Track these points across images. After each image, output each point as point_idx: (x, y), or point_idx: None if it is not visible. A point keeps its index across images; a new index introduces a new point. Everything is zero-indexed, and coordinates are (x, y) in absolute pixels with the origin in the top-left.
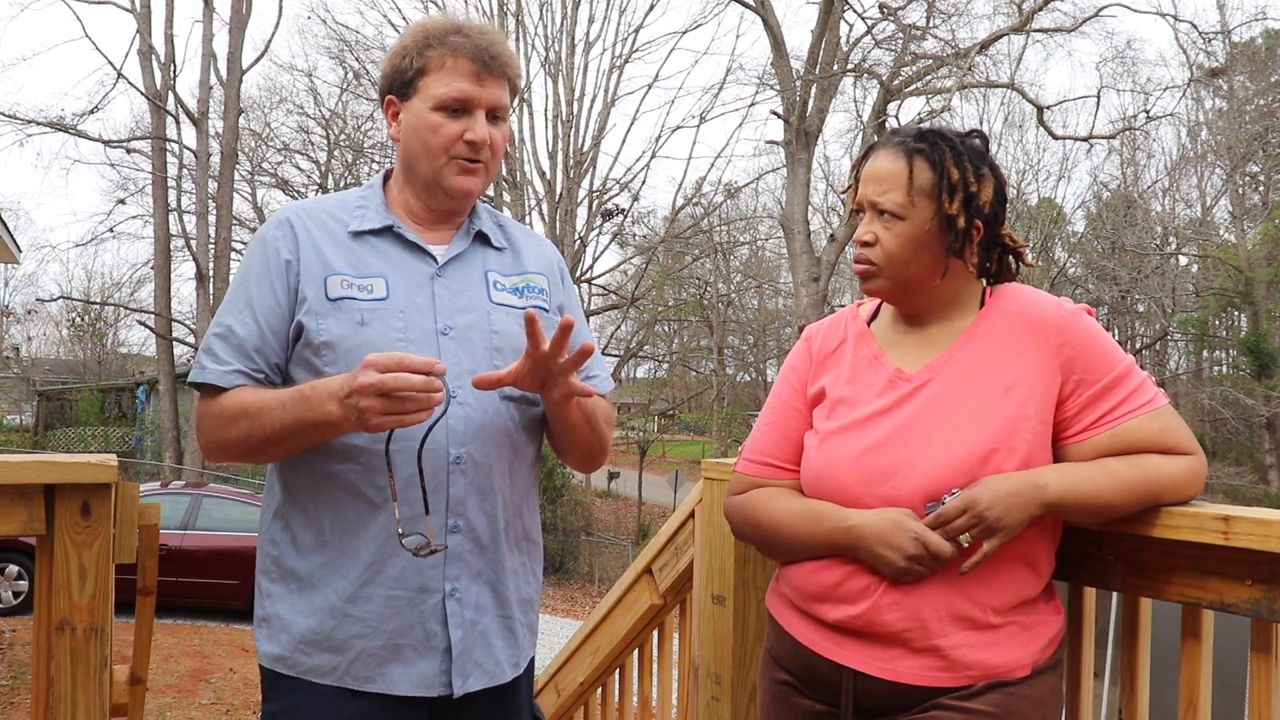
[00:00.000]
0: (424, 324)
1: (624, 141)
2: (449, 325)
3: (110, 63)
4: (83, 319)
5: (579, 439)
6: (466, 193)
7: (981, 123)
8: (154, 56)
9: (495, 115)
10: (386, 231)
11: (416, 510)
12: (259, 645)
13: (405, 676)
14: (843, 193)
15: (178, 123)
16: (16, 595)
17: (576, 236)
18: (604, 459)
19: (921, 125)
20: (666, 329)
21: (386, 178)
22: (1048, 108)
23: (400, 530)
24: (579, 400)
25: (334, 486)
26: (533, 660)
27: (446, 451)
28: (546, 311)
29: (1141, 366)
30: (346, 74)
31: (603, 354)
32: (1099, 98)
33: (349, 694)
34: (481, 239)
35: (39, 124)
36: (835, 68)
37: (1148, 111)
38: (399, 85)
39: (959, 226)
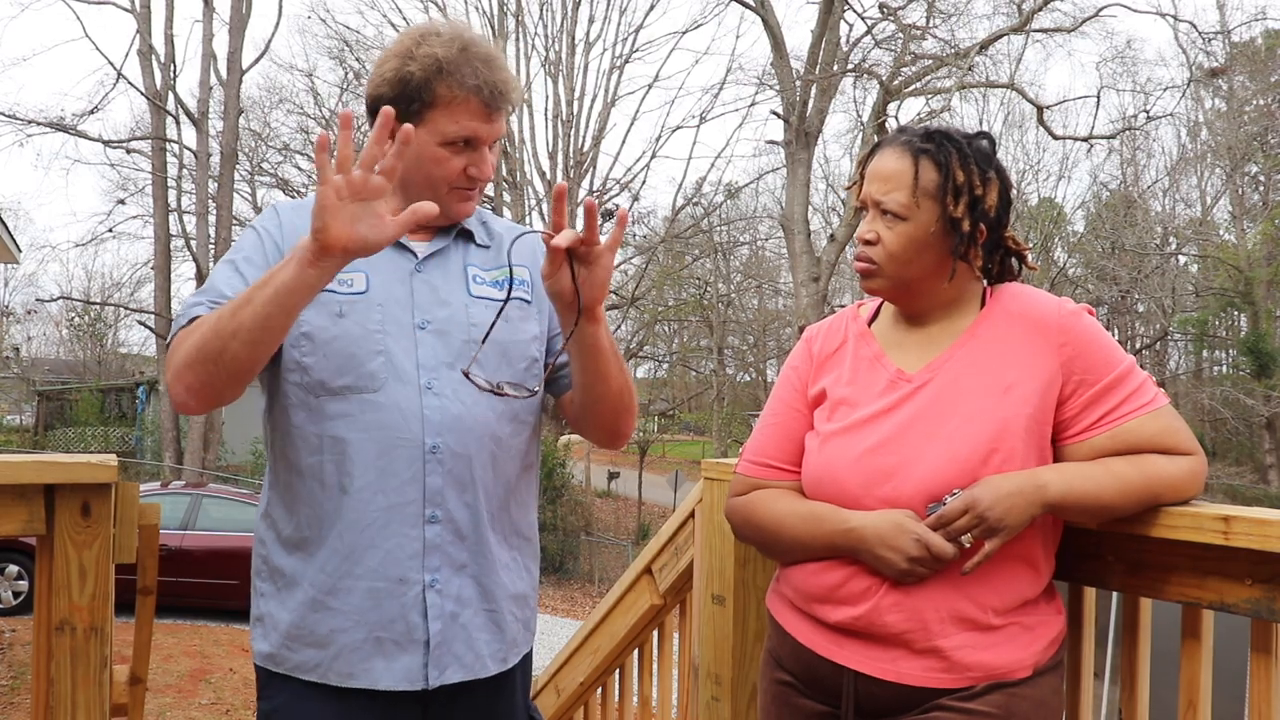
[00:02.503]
0: (402, 317)
1: (624, 142)
2: (426, 319)
3: (110, 63)
4: (82, 319)
5: (612, 375)
6: (466, 215)
7: (981, 123)
8: (154, 56)
9: (494, 144)
10: None
11: (393, 500)
12: (253, 644)
13: (387, 671)
14: (847, 188)
15: (178, 123)
16: (16, 595)
17: None
18: (632, 421)
19: (929, 125)
20: (666, 329)
21: None
22: (1048, 108)
23: (466, 369)
24: (606, 332)
25: (310, 479)
26: (529, 657)
27: (422, 441)
28: (529, 303)
29: (1141, 366)
30: (346, 74)
31: None
32: (1099, 98)
33: (339, 691)
34: (465, 235)
35: (39, 124)
36: (835, 68)
37: (1148, 111)
38: (401, 109)
39: (963, 229)
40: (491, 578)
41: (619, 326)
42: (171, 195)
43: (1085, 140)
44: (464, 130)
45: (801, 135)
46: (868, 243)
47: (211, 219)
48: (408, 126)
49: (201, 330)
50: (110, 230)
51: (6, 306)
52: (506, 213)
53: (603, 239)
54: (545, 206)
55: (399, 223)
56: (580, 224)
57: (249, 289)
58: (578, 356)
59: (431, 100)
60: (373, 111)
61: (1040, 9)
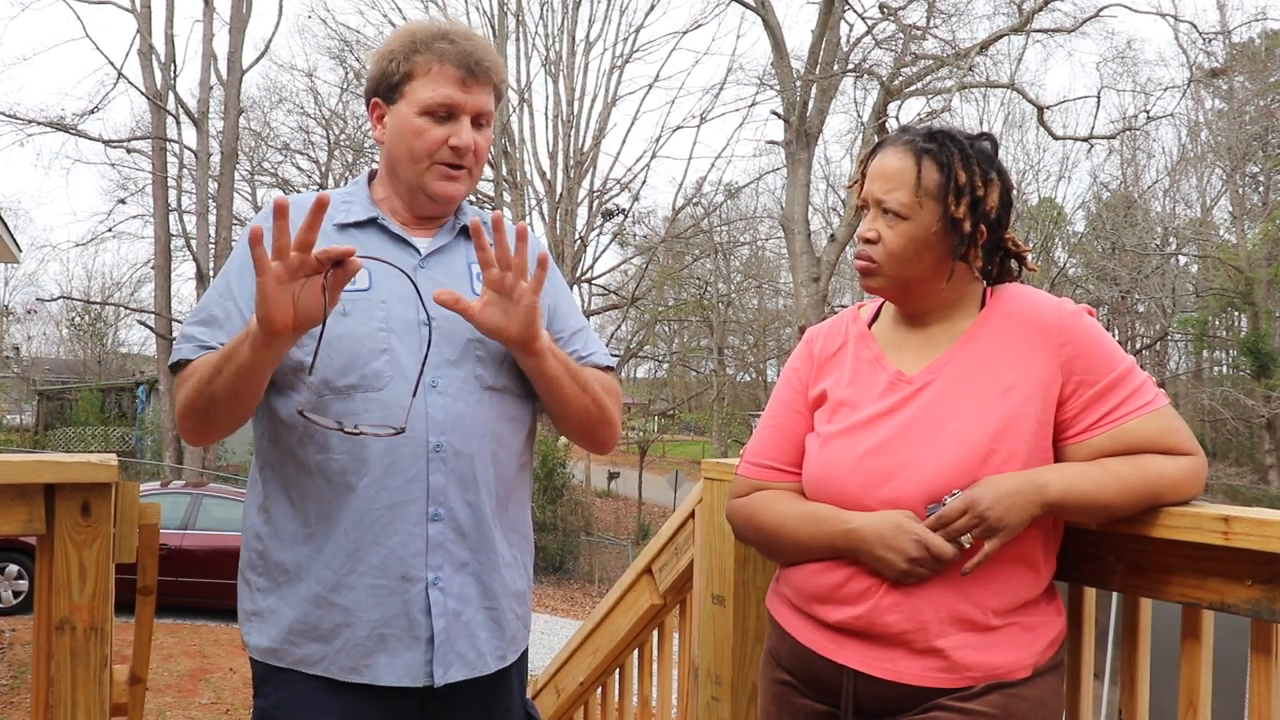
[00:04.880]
0: (406, 314)
1: (624, 141)
2: (431, 315)
3: (110, 63)
4: (83, 319)
5: (568, 398)
6: (449, 198)
7: (981, 123)
8: (154, 56)
9: (479, 121)
10: (371, 224)
11: (397, 498)
12: (249, 639)
13: (390, 667)
14: (849, 187)
15: (178, 123)
16: (16, 595)
17: (577, 236)
18: (610, 433)
19: (931, 125)
20: (666, 329)
21: (371, 177)
22: (1048, 108)
23: (300, 407)
24: (555, 351)
25: (316, 475)
26: (525, 654)
27: (425, 439)
28: None
29: (1141, 367)
30: (347, 74)
31: None
32: (1099, 98)
33: (338, 686)
34: (466, 233)
35: (39, 124)
36: (835, 68)
37: (1148, 112)
38: (384, 89)
39: (964, 230)
40: (493, 576)
41: (619, 326)
42: (172, 195)
43: (1085, 140)
44: (439, 96)
45: (802, 135)
46: (868, 241)
47: (212, 219)
48: (323, 194)
49: (188, 387)
50: (110, 230)
51: (6, 306)
52: (506, 212)
53: (604, 238)
54: (545, 206)
55: (333, 290)
56: (581, 222)
57: (219, 358)
58: (531, 382)
59: (410, 72)
60: (370, 106)
61: (1040, 9)
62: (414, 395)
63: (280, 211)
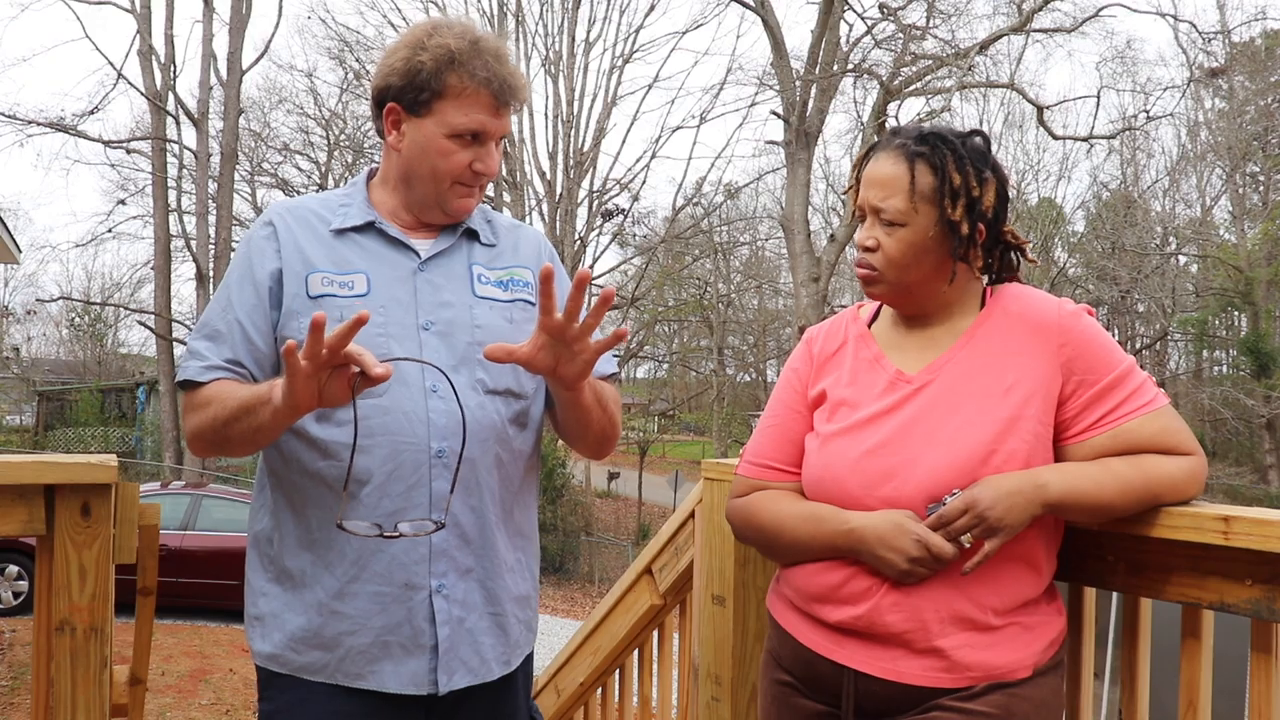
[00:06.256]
0: (405, 319)
1: (624, 142)
2: (430, 320)
3: (110, 63)
4: (82, 319)
5: (592, 422)
6: (467, 213)
7: (981, 123)
8: (154, 57)
9: (499, 140)
10: (369, 228)
11: (399, 505)
12: (252, 644)
13: (395, 674)
14: (844, 193)
15: (178, 123)
16: (16, 595)
17: (576, 236)
18: (613, 444)
19: (923, 126)
20: (666, 329)
21: (370, 176)
22: (1048, 108)
23: (339, 519)
24: (590, 381)
25: (320, 484)
26: (530, 657)
27: (428, 446)
28: (531, 305)
29: (1141, 366)
30: (346, 74)
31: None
32: (1099, 98)
33: (343, 692)
34: (469, 235)
35: (39, 124)
36: (835, 68)
37: (1148, 111)
38: (409, 99)
39: (962, 232)
40: (497, 581)
41: (619, 326)
42: (171, 195)
43: (1085, 140)
44: (472, 123)
45: (801, 135)
46: (868, 249)
47: (211, 219)
48: (363, 311)
49: (200, 419)
50: (110, 230)
51: (6, 306)
52: (506, 212)
53: (604, 238)
54: (545, 206)
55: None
56: (580, 222)
57: (237, 408)
58: (559, 406)
59: (441, 90)
60: (379, 102)
61: (1040, 9)
62: (458, 404)
63: (316, 327)
